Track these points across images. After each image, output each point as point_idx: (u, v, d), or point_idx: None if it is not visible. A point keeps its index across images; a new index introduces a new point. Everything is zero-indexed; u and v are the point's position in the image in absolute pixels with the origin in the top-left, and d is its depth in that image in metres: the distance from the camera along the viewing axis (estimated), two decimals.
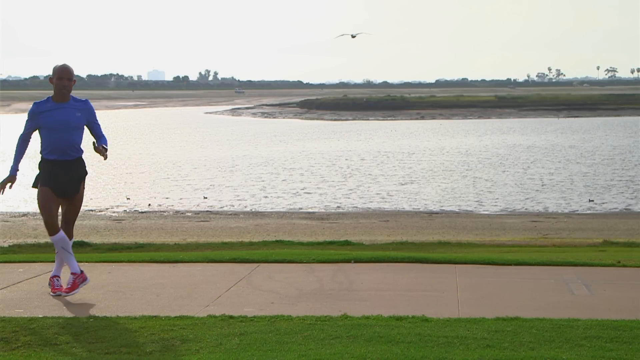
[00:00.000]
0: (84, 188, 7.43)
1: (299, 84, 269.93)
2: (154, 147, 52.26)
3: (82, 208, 28.75)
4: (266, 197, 27.89)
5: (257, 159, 42.04)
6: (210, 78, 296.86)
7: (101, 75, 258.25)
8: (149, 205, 26.15)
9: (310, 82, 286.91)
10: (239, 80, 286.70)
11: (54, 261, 9.06)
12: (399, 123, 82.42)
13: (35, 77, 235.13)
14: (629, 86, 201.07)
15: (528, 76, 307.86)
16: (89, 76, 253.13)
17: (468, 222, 21.40)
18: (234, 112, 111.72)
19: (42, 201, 7.17)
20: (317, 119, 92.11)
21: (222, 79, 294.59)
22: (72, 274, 7.29)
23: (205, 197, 27.37)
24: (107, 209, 25.04)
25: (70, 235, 7.47)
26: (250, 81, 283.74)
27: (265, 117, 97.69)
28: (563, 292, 7.48)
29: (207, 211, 24.38)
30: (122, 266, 8.82)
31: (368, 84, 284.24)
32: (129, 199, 27.54)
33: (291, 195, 28.16)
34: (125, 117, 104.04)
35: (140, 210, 24.89)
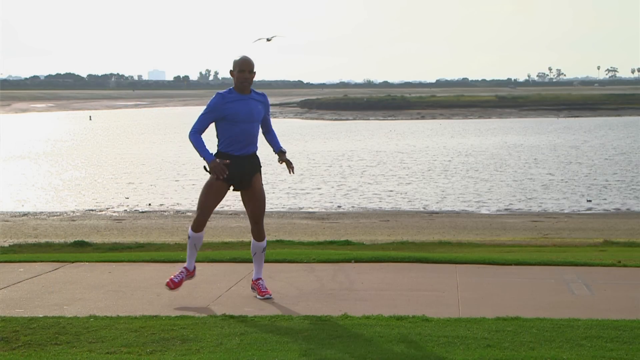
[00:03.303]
0: (262, 183, 7.22)
1: (299, 84, 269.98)
2: (154, 147, 52.28)
3: (82, 208, 28.56)
4: (266, 196, 27.86)
5: None
6: (211, 78, 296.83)
7: (101, 75, 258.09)
8: (149, 205, 26.16)
9: (311, 82, 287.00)
10: None
11: (54, 261, 9.09)
12: (399, 123, 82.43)
13: (35, 77, 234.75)
14: (630, 86, 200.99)
15: (528, 76, 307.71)
16: (89, 76, 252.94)
17: (468, 222, 21.41)
18: None
19: (204, 196, 7.02)
20: (317, 118, 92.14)
21: (222, 78, 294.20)
22: (185, 268, 7.22)
23: None
24: (107, 208, 25.02)
25: (262, 235, 7.28)
26: None
27: None
28: (563, 292, 7.48)
29: None
30: (122, 266, 8.81)
31: (368, 84, 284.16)
32: (127, 198, 27.56)
33: (291, 196, 28.16)
34: (125, 116, 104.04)
35: (140, 210, 24.89)
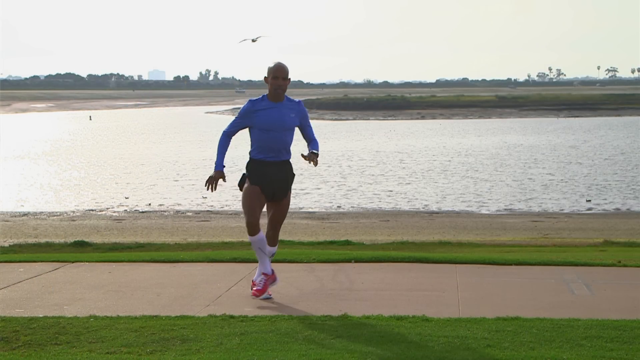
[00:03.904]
0: (290, 191, 7.28)
1: (299, 84, 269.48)
2: (154, 147, 52.28)
3: (82, 208, 28.52)
4: None
5: None
6: (211, 78, 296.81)
7: (102, 75, 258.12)
8: (149, 205, 26.16)
9: (311, 82, 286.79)
10: (239, 80, 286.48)
11: (54, 261, 9.09)
12: (399, 123, 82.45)
13: (35, 77, 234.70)
14: (630, 86, 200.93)
15: (528, 76, 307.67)
16: (89, 76, 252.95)
17: (468, 222, 21.41)
18: (234, 111, 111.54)
19: (247, 200, 7.01)
20: (317, 118, 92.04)
21: (222, 78, 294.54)
22: (263, 274, 7.16)
23: (204, 197, 27.37)
24: (107, 208, 25.02)
25: (275, 241, 7.28)
26: (250, 81, 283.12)
27: None
28: (563, 292, 7.47)
29: (208, 211, 24.39)
30: (122, 266, 8.82)
31: (368, 84, 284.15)
32: (127, 198, 27.57)
33: (291, 196, 28.17)
34: (125, 116, 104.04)
35: (140, 210, 24.89)
